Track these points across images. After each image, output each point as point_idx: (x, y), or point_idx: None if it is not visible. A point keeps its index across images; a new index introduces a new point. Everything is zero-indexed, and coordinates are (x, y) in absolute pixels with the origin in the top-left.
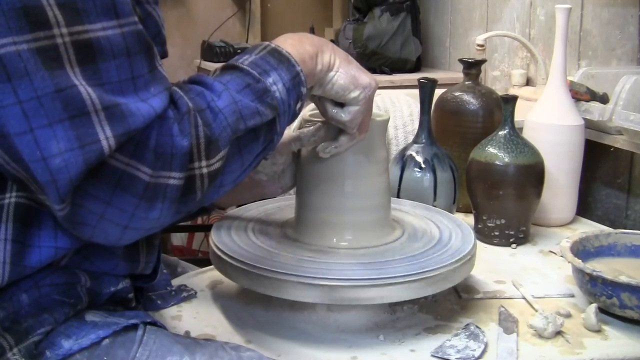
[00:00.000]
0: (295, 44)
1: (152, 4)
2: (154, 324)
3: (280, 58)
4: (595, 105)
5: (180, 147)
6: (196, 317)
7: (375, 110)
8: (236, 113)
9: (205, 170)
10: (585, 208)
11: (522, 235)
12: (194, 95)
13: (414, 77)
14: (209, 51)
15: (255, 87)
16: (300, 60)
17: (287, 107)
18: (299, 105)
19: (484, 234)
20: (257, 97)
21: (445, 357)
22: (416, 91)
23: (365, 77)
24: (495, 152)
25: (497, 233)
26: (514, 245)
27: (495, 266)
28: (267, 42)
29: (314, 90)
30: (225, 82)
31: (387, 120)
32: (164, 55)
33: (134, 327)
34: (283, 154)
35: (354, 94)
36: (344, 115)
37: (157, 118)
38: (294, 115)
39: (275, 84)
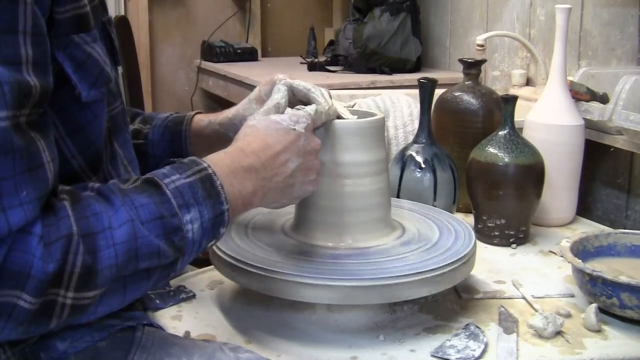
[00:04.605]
0: (237, 176)
1: (90, 43)
2: (151, 325)
3: (210, 191)
4: (595, 105)
5: (41, 271)
6: (196, 317)
7: (375, 110)
8: (130, 252)
9: (69, 302)
10: (585, 208)
11: (522, 235)
12: (90, 214)
13: (414, 77)
14: (209, 51)
15: (167, 221)
16: (232, 198)
17: (197, 248)
18: (212, 243)
19: (484, 234)
20: (164, 233)
21: (445, 357)
22: (416, 91)
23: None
24: (495, 152)
25: (497, 233)
26: (514, 245)
27: (495, 266)
28: (206, 164)
29: None
30: (137, 207)
31: (383, 119)
32: (110, 92)
33: (132, 329)
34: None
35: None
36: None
37: (13, 233)
38: (203, 250)
39: (192, 222)
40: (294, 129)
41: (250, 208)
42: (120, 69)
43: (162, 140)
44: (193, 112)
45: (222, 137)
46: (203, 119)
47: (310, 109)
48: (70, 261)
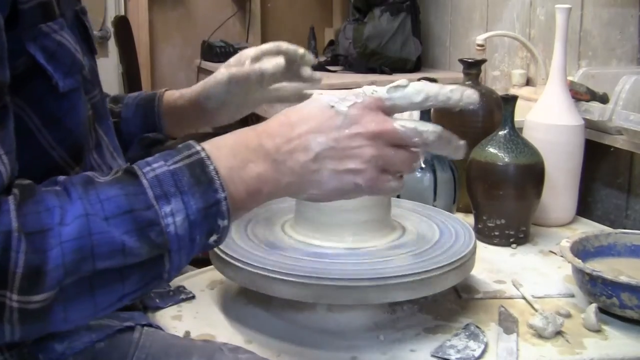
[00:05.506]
0: (239, 158)
1: (59, 32)
2: (150, 325)
3: (200, 178)
4: (595, 105)
5: None
6: (196, 317)
7: None
8: (83, 250)
9: (15, 305)
10: (585, 208)
11: (522, 235)
12: (42, 209)
13: (414, 77)
14: (209, 51)
15: (139, 215)
16: (231, 185)
17: (189, 243)
18: (214, 238)
19: (484, 234)
20: (136, 228)
21: (445, 357)
22: None
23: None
24: (495, 152)
25: (497, 233)
26: (514, 245)
27: (495, 266)
28: (199, 148)
29: None
30: (101, 200)
31: None
32: (85, 79)
33: (130, 329)
34: (240, 84)
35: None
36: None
37: None
38: (207, 248)
39: (173, 215)
40: (332, 107)
41: (261, 197)
42: (120, 69)
43: (135, 117)
44: (163, 90)
45: (194, 110)
46: (174, 93)
47: (381, 89)
48: (12, 260)
